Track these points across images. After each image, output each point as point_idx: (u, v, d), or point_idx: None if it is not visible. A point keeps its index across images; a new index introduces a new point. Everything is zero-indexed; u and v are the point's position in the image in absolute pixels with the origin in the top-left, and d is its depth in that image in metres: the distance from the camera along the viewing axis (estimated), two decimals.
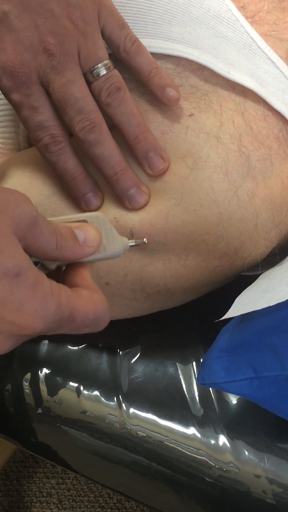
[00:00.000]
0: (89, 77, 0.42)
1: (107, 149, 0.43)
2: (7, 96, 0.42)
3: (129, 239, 0.40)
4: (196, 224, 0.45)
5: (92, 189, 0.45)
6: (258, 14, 0.49)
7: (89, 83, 0.42)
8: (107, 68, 0.42)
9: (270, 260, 0.51)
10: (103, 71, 0.42)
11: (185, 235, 0.45)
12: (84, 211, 0.45)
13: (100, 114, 0.42)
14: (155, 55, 0.46)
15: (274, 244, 0.50)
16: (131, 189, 0.44)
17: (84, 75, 0.42)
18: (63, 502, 1.10)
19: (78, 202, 0.45)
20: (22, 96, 0.41)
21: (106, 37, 0.43)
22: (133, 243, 0.40)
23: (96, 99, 0.42)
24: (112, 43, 0.44)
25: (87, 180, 0.44)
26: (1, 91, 0.42)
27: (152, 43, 0.46)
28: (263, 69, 0.47)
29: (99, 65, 0.42)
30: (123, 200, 0.44)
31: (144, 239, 0.41)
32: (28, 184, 0.47)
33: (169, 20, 0.47)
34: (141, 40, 0.45)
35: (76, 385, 0.56)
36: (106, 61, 0.42)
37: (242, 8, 0.49)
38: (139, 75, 0.44)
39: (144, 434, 0.53)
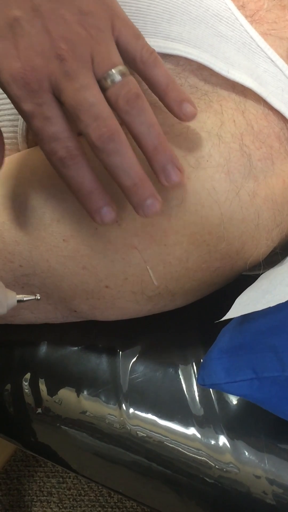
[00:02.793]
0: (104, 83, 0.40)
1: (127, 158, 0.40)
2: (17, 105, 0.40)
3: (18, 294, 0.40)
4: (198, 225, 0.44)
5: (108, 203, 0.42)
6: (258, 12, 0.49)
7: (103, 90, 0.40)
8: (122, 74, 0.40)
9: (272, 260, 0.51)
10: (117, 77, 0.39)
11: (186, 236, 0.45)
12: (97, 223, 0.43)
13: (117, 121, 0.40)
14: None
15: (276, 244, 0.50)
16: (148, 199, 0.41)
17: (98, 81, 0.40)
18: (63, 501, 1.10)
19: (92, 216, 0.42)
20: (34, 105, 0.39)
21: (121, 47, 0.41)
22: (22, 299, 0.40)
23: (112, 106, 0.40)
24: (128, 54, 0.41)
25: (103, 194, 0.42)
26: (11, 100, 0.40)
27: (151, 42, 0.45)
28: (263, 68, 0.47)
29: (113, 70, 0.39)
30: (137, 210, 0.42)
31: (37, 296, 0.41)
32: (27, 186, 0.47)
33: (168, 19, 0.47)
34: None
35: (75, 385, 0.56)
36: (121, 67, 0.40)
37: (241, 7, 0.49)
38: (155, 88, 0.42)
39: (144, 434, 0.53)
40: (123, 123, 0.40)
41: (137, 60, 0.41)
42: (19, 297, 0.40)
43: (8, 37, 0.39)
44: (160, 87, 0.42)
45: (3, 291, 0.38)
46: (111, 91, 0.39)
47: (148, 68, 0.41)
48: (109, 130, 0.39)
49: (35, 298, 0.41)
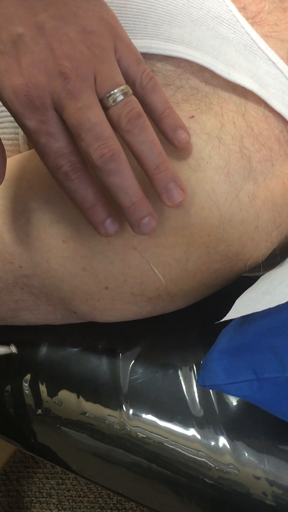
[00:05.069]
0: (106, 103, 0.40)
1: (127, 178, 0.40)
2: (20, 122, 0.40)
3: None
4: (197, 226, 0.44)
5: (111, 215, 0.43)
6: (259, 15, 0.49)
7: (105, 109, 0.40)
8: (124, 94, 0.40)
9: (272, 261, 0.51)
10: (120, 97, 0.40)
11: (186, 237, 0.45)
12: (102, 235, 0.44)
13: (118, 141, 0.40)
14: (155, 56, 0.46)
15: (275, 245, 0.50)
16: (145, 218, 0.42)
17: (100, 101, 0.40)
18: (63, 503, 1.10)
19: (97, 229, 0.43)
20: (38, 122, 0.39)
21: (122, 70, 0.41)
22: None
23: (113, 125, 0.40)
24: (128, 77, 0.42)
25: (106, 206, 0.42)
26: (14, 117, 0.40)
27: (152, 44, 0.46)
28: (264, 70, 0.47)
29: (116, 90, 0.40)
30: (134, 228, 0.43)
31: (12, 349, 0.47)
32: (26, 188, 0.47)
33: (169, 21, 0.47)
34: (141, 41, 0.45)
35: (76, 386, 0.56)
36: (123, 86, 0.40)
37: (242, 9, 0.49)
38: (151, 113, 0.43)
39: (144, 436, 0.53)
40: (125, 142, 0.41)
41: (136, 85, 0.42)
42: None
43: (11, 53, 0.38)
44: (156, 113, 0.42)
45: None
46: (113, 110, 0.40)
47: (146, 93, 0.42)
48: (110, 150, 0.39)
49: (10, 352, 0.43)
